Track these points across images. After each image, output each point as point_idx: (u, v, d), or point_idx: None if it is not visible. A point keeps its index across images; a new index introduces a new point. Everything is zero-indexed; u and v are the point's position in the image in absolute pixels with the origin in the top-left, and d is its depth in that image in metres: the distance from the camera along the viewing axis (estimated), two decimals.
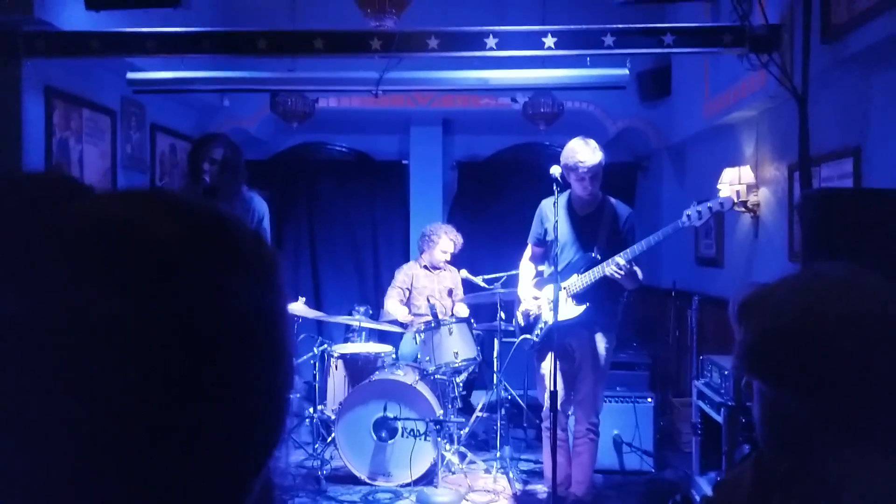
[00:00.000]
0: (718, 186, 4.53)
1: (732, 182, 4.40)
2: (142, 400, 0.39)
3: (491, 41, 3.48)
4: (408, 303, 5.03)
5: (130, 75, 4.06)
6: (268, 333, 0.45)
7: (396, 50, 3.48)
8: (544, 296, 3.56)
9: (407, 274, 5.05)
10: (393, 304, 4.95)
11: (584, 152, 3.33)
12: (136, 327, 0.39)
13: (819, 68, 3.23)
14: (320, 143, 6.32)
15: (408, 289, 5.01)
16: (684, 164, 5.81)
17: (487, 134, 6.25)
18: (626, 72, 3.74)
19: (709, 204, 3.31)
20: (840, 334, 0.91)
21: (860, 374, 0.91)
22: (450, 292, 5.07)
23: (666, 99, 5.64)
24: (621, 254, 3.31)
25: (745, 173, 4.34)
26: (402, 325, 4.93)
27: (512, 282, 4.26)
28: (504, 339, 4.48)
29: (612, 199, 3.56)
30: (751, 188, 4.38)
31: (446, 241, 4.96)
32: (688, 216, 3.31)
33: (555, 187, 3.24)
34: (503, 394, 4.52)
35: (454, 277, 5.09)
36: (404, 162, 6.24)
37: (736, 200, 4.39)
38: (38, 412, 0.38)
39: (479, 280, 4.82)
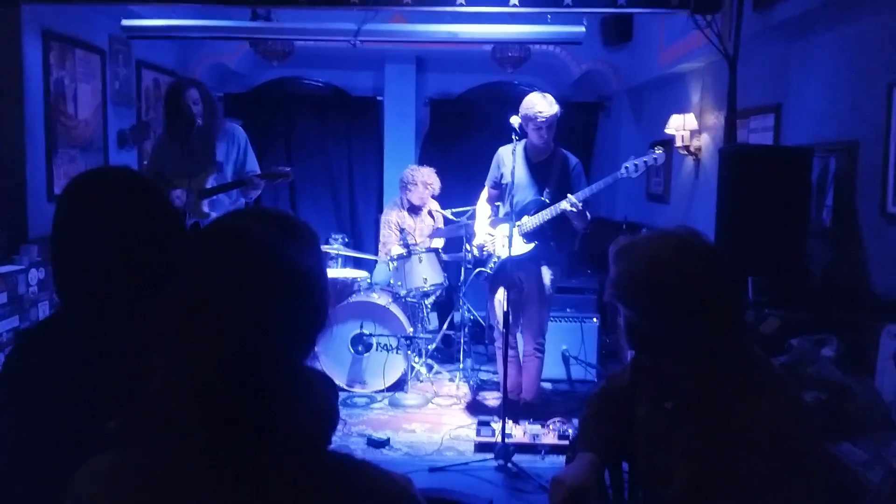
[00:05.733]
0: (666, 131, 4.97)
1: (678, 128, 4.84)
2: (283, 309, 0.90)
3: None
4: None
5: (125, 22, 4.28)
6: (322, 274, 0.96)
7: (374, 3, 3.77)
8: (498, 233, 4.01)
9: (396, 217, 5.31)
10: (395, 249, 5.16)
11: (542, 105, 3.73)
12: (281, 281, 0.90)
13: (751, 32, 3.63)
14: (298, 77, 6.53)
15: (399, 230, 5.33)
16: (642, 106, 6.18)
17: (459, 72, 6.51)
18: (583, 29, 4.09)
19: (644, 158, 3.71)
20: (667, 280, 1.38)
21: (680, 306, 1.38)
22: (431, 226, 5.41)
23: (627, 44, 5.95)
24: (576, 194, 3.74)
25: (689, 120, 4.78)
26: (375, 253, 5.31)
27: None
28: (469, 267, 4.95)
29: (563, 150, 3.97)
30: (694, 133, 4.82)
31: (423, 185, 5.25)
32: (626, 168, 3.72)
33: (513, 136, 3.63)
34: (466, 314, 5.06)
35: (432, 209, 5.43)
36: (379, 98, 6.50)
37: (681, 149, 4.86)
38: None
39: (447, 213, 5.24)
